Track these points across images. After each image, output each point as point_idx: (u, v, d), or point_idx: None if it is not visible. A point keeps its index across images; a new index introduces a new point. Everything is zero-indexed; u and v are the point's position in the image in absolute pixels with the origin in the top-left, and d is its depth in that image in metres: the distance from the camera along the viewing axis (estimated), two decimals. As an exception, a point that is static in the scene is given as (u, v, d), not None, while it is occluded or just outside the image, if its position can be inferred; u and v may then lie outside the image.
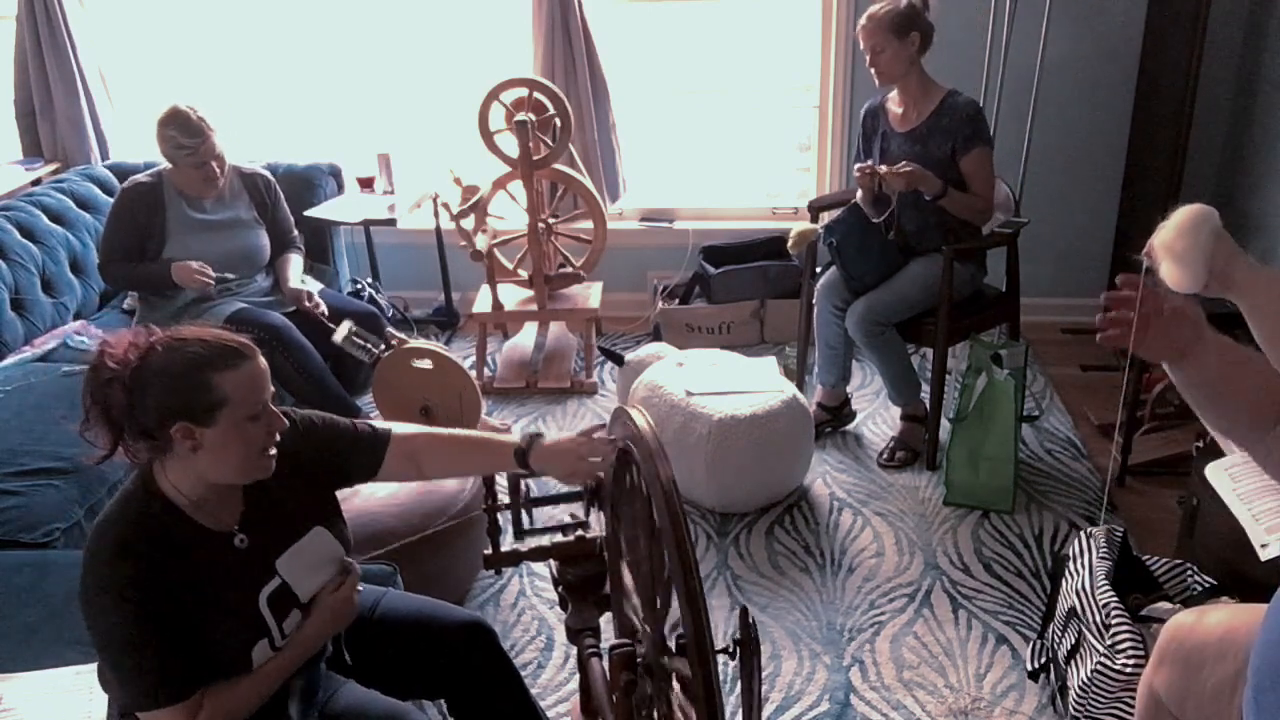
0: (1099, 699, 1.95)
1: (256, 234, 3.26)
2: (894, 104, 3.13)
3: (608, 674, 1.42)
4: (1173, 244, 1.40)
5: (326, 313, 3.21)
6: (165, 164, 3.14)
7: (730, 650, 1.32)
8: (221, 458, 1.44)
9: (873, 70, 3.01)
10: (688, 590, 1.20)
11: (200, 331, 1.46)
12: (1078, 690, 2.01)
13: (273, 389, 1.51)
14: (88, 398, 1.44)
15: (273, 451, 1.50)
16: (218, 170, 3.10)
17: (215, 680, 1.48)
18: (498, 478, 1.81)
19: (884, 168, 2.97)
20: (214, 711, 1.47)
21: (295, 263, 3.35)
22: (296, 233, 3.45)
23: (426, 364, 3.03)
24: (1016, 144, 3.66)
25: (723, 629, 2.48)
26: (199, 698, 1.45)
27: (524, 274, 3.84)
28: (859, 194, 3.10)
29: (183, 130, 3.00)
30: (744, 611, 1.33)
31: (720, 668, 1.24)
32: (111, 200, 3.77)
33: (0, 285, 3.18)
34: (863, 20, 2.98)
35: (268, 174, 3.38)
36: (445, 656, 1.78)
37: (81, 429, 1.46)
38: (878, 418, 3.48)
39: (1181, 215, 1.41)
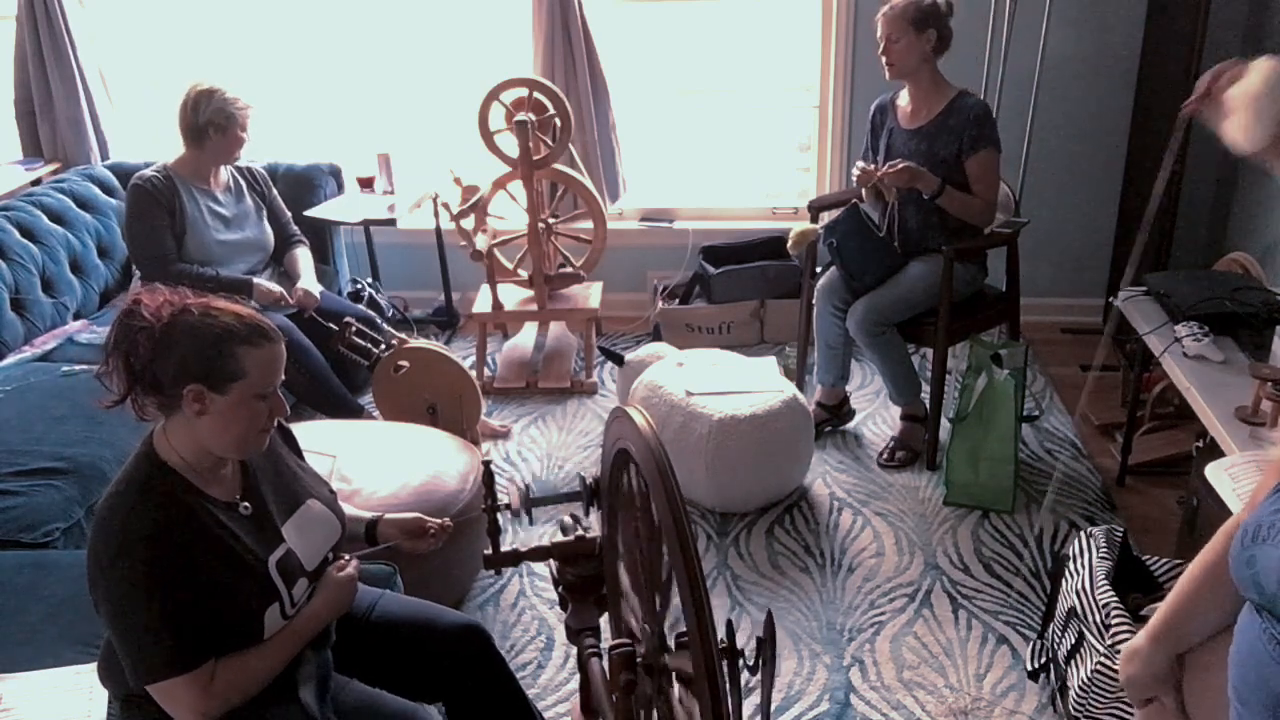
0: (1099, 699, 1.95)
1: (265, 224, 3.32)
2: (903, 101, 3.13)
3: (608, 674, 1.41)
4: (1258, 97, 1.28)
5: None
6: (158, 162, 3.15)
7: (742, 654, 1.33)
8: (223, 427, 1.49)
9: (884, 59, 3.00)
10: (690, 584, 1.20)
11: (234, 306, 1.53)
12: (1078, 690, 2.01)
13: (283, 376, 1.57)
14: (111, 342, 1.48)
15: (269, 431, 1.57)
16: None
17: (228, 649, 1.49)
18: (498, 477, 1.81)
19: (883, 169, 2.98)
20: (225, 682, 1.47)
21: (306, 259, 3.38)
22: (295, 226, 3.47)
23: (404, 364, 3.06)
24: (1016, 144, 3.65)
25: (723, 630, 2.47)
26: (210, 668, 1.46)
27: (524, 274, 3.84)
28: (863, 192, 3.11)
29: (229, 95, 3.05)
30: (769, 615, 1.37)
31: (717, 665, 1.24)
32: (112, 200, 3.79)
33: (0, 285, 3.19)
34: (884, 8, 2.99)
35: (256, 166, 3.42)
36: (441, 660, 1.78)
37: (98, 373, 1.51)
38: (878, 418, 3.48)
39: (1273, 71, 1.28)
